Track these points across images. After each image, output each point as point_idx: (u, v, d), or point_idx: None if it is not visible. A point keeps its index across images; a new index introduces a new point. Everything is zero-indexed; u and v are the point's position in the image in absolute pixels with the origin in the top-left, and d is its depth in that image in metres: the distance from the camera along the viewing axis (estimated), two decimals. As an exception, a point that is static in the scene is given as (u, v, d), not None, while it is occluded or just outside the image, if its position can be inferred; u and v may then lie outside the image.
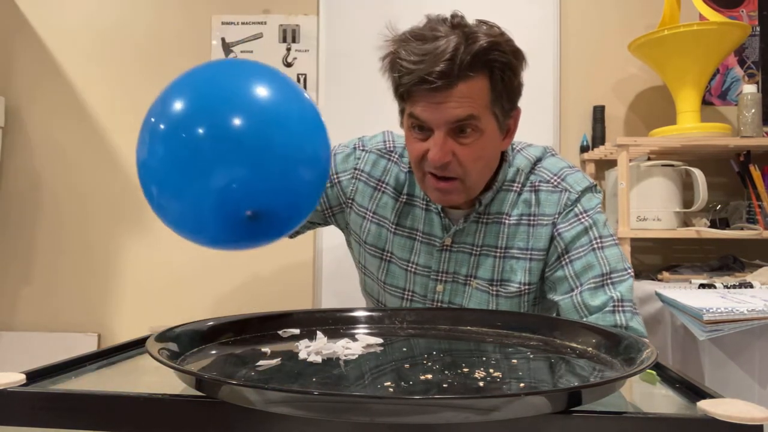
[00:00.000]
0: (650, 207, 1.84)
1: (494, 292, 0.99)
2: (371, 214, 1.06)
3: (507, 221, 0.99)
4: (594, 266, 0.94)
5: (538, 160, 1.02)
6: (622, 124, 2.19)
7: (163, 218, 0.66)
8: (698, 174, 1.75)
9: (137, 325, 2.23)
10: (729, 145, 1.84)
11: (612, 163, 1.98)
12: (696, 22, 1.89)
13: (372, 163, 1.07)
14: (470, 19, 0.90)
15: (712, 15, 1.92)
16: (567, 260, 0.96)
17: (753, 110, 1.87)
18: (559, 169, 1.01)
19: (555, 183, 0.99)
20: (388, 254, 1.05)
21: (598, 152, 2.01)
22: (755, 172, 1.87)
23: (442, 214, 1.01)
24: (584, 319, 0.91)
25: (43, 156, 2.33)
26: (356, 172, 1.07)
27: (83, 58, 2.33)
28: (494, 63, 0.87)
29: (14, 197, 2.32)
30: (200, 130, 0.59)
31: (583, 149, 2.13)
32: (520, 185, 1.00)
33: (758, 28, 2.17)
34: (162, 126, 0.63)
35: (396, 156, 1.07)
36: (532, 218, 0.99)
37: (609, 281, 0.93)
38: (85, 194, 2.31)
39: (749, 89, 1.89)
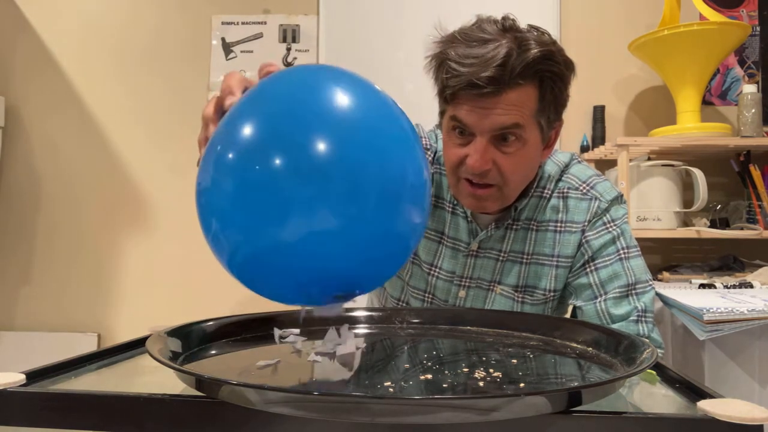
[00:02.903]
0: (650, 207, 1.84)
1: (520, 299, 0.98)
2: None
3: (534, 227, 0.98)
4: (620, 276, 0.94)
5: (566, 166, 1.01)
6: (622, 124, 2.19)
7: (218, 255, 0.54)
8: (698, 174, 1.75)
9: (137, 325, 2.23)
10: (729, 145, 1.84)
11: (612, 163, 1.98)
12: (696, 22, 1.89)
13: None
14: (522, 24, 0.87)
15: (712, 15, 1.92)
16: (593, 267, 0.95)
17: (753, 110, 1.87)
18: (588, 176, 1.00)
19: (584, 190, 0.98)
20: (412, 255, 1.02)
21: (598, 152, 2.01)
22: (755, 172, 1.87)
23: (469, 219, 0.99)
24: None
25: (43, 156, 2.33)
26: None
27: (83, 58, 2.33)
28: (545, 73, 0.84)
29: (14, 197, 2.32)
30: (278, 162, 0.47)
31: (583, 149, 2.13)
32: (549, 191, 0.99)
33: (758, 28, 2.17)
34: (230, 154, 0.49)
35: (430, 155, 1.04)
36: (559, 225, 0.97)
37: (633, 291, 0.93)
38: (85, 194, 2.31)
39: (749, 89, 1.89)
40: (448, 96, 0.87)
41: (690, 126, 1.88)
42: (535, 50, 0.82)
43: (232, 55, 2.30)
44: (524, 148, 0.87)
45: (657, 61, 1.95)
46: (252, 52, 2.30)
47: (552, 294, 0.98)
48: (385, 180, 0.49)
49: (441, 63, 0.87)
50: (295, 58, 2.28)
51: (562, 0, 2.18)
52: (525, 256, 0.98)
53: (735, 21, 1.94)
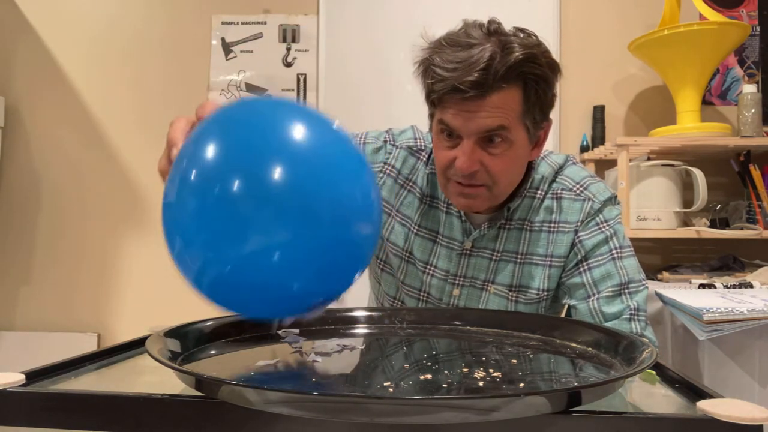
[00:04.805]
0: (650, 207, 1.84)
1: (513, 299, 1.00)
2: (395, 212, 1.05)
3: (528, 227, 0.99)
4: (613, 275, 0.95)
5: (561, 167, 1.02)
6: (622, 124, 2.19)
7: (183, 273, 0.57)
8: (698, 174, 1.75)
9: (137, 325, 2.23)
10: (729, 145, 1.84)
11: (612, 163, 1.98)
12: (696, 22, 1.89)
13: (402, 160, 1.06)
14: (507, 26, 0.88)
15: (712, 15, 1.92)
16: (586, 267, 0.96)
17: (753, 110, 1.87)
18: (582, 178, 1.01)
19: (578, 191, 0.99)
20: (407, 254, 1.05)
21: (598, 152, 2.01)
22: (755, 172, 1.87)
23: (463, 218, 1.01)
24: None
25: (43, 156, 2.33)
26: (386, 166, 1.06)
27: (83, 58, 2.34)
28: (529, 75, 0.85)
29: (14, 197, 2.33)
30: (236, 186, 0.50)
31: (583, 149, 2.13)
32: (543, 192, 1.00)
33: (758, 28, 2.17)
34: (194, 174, 0.53)
35: (425, 155, 1.06)
36: (552, 225, 0.99)
37: (626, 290, 0.94)
38: (85, 194, 2.31)
39: (749, 89, 1.89)
40: (434, 100, 0.89)
41: (690, 126, 1.88)
42: (518, 53, 0.83)
43: (231, 54, 2.30)
44: (511, 149, 0.89)
45: (657, 61, 1.95)
46: (252, 52, 2.30)
47: (545, 293, 0.99)
48: (333, 198, 0.53)
49: (426, 68, 0.88)
50: (295, 58, 2.28)
51: (562, 0, 2.18)
52: (518, 256, 0.99)
53: (735, 21, 1.94)
